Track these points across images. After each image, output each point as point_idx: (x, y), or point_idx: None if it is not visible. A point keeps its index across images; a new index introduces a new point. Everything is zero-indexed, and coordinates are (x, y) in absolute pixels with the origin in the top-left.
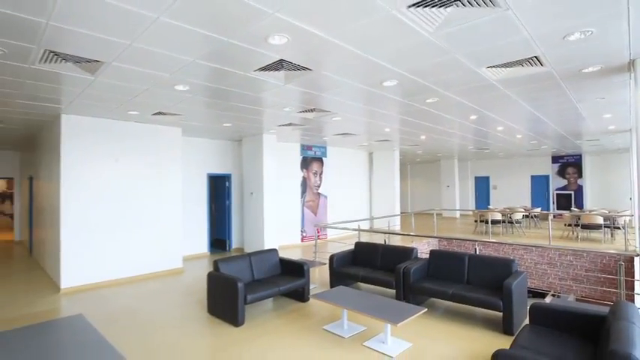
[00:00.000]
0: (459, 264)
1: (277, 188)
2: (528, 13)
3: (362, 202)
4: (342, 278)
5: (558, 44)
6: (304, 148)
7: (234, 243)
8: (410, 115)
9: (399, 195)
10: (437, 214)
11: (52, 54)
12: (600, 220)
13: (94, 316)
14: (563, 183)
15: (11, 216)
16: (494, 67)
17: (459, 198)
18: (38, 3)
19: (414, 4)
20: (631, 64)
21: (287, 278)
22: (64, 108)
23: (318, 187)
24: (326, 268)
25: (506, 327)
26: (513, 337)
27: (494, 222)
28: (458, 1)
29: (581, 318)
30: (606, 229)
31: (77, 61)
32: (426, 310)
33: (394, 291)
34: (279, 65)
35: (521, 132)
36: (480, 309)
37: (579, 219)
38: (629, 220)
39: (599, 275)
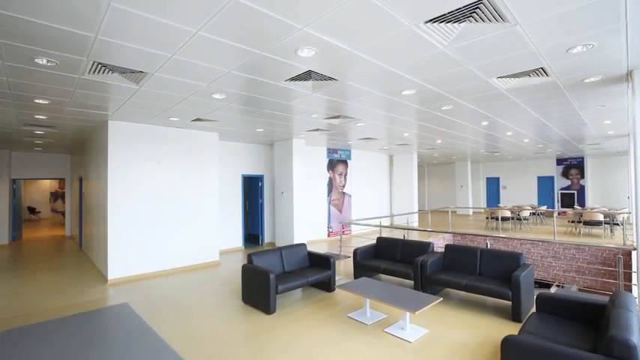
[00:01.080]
0: (471, 257)
1: (306, 188)
2: (535, 28)
3: (383, 201)
4: (364, 270)
5: (562, 56)
6: (330, 151)
7: (267, 238)
8: (427, 121)
9: (416, 194)
10: (451, 212)
11: (100, 65)
12: (601, 217)
13: (138, 304)
14: (567, 183)
15: (63, 213)
16: (503, 77)
17: (472, 197)
18: (88, 19)
19: (430, 20)
20: (629, 74)
21: (315, 270)
22: (111, 115)
23: (343, 187)
24: (350, 261)
25: (514, 315)
26: (521, 324)
27: (504, 219)
28: (470, 17)
29: (584, 306)
30: (606, 225)
31: (123, 71)
32: (442, 299)
33: (412, 282)
34: (307, 75)
35: (528, 137)
36: (490, 298)
37: (581, 216)
38: (627, 217)
39: (599, 267)
